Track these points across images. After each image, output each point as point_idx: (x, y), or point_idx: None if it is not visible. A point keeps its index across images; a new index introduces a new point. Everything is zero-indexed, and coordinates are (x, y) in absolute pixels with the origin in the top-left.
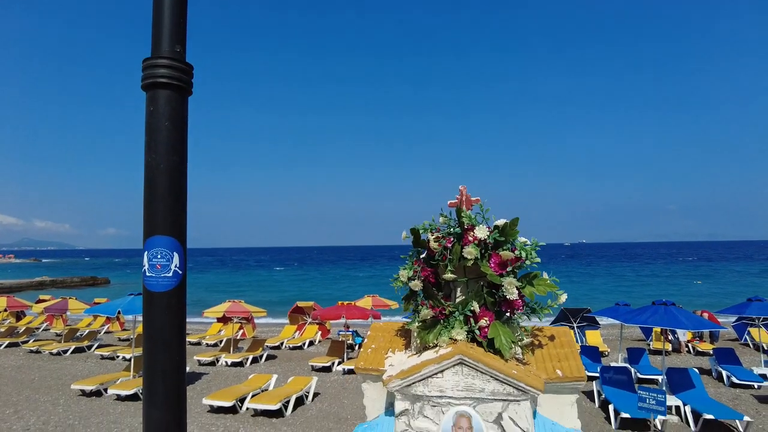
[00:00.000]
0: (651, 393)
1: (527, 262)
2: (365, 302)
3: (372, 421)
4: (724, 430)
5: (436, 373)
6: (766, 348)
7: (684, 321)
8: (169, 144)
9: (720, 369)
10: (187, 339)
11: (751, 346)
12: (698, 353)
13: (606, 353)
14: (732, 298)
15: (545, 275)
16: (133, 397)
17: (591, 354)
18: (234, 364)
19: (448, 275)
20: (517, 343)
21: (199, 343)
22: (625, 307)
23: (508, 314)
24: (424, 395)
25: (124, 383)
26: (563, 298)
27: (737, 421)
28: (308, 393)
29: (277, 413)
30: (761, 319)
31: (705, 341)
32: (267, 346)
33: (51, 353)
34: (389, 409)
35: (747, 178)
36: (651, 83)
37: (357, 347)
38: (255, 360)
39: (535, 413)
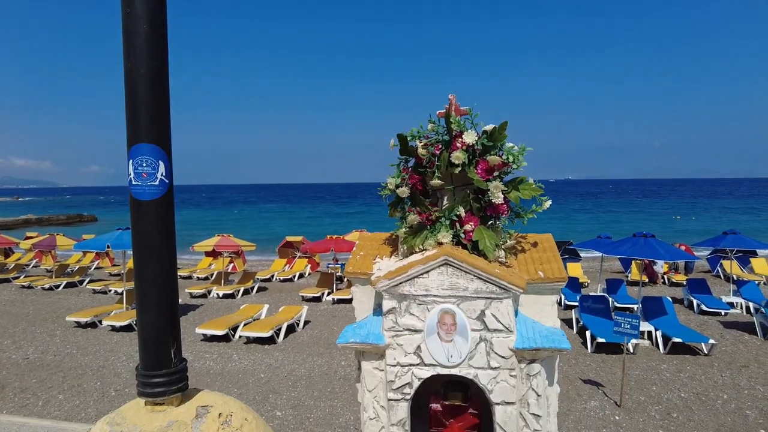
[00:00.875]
0: (626, 318)
1: (514, 167)
2: (353, 237)
3: (361, 321)
4: (690, 352)
5: (422, 274)
6: (735, 278)
7: (662, 252)
8: (148, 48)
9: (691, 298)
10: (178, 273)
11: (722, 277)
12: (673, 284)
13: (586, 284)
14: (709, 234)
15: (531, 180)
16: (128, 328)
17: (571, 285)
18: (225, 296)
19: (436, 182)
20: (500, 246)
21: (189, 277)
22: (607, 240)
23: (493, 219)
24: (411, 294)
25: (118, 315)
26: (547, 204)
27: (702, 344)
28: (299, 321)
29: (269, 340)
30: (734, 252)
31: (680, 273)
32: (258, 278)
33: (43, 288)
34: (377, 310)
35: (734, 116)
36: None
37: (346, 279)
38: (246, 292)
39: (516, 312)
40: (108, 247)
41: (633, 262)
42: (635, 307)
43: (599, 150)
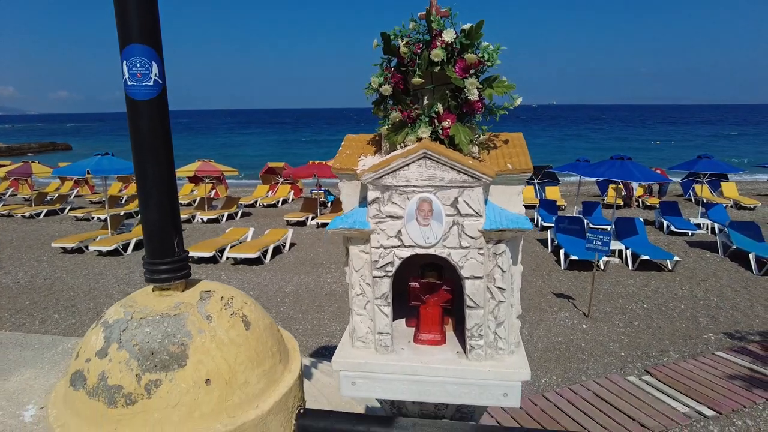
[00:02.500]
0: (598, 235)
1: (489, 64)
2: None
3: (348, 212)
4: (656, 269)
5: (403, 167)
6: (704, 201)
7: (637, 174)
8: None
9: (662, 220)
10: None
11: (693, 200)
12: (646, 207)
13: (563, 207)
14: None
15: (504, 78)
16: (114, 253)
17: (548, 207)
18: (210, 221)
19: (416, 80)
20: (474, 141)
21: None
22: (585, 163)
23: (468, 116)
24: (393, 185)
25: (104, 240)
26: (518, 101)
27: (668, 261)
28: (285, 243)
29: (257, 261)
30: (706, 176)
31: (654, 196)
32: (241, 204)
33: (24, 216)
34: (363, 202)
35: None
36: None
37: (329, 205)
38: (230, 217)
39: (486, 201)
40: (88, 172)
41: (609, 185)
42: (609, 227)
43: (585, 75)
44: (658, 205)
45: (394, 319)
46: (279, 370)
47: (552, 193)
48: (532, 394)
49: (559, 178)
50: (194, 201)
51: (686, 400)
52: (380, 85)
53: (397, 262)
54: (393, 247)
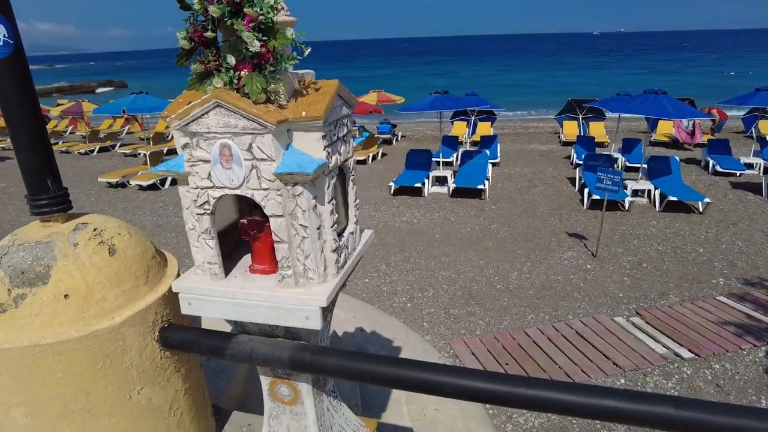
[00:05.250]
0: (608, 174)
1: (261, 18)
2: (370, 97)
3: (176, 157)
4: (685, 210)
5: (202, 115)
6: (764, 138)
7: (670, 109)
8: None
9: (708, 158)
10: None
11: (755, 138)
12: (698, 146)
13: (606, 143)
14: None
15: (288, 31)
16: (153, 187)
17: (586, 144)
18: None
19: (208, 34)
20: (265, 89)
21: None
22: (619, 98)
23: (263, 65)
24: (198, 132)
25: (143, 175)
26: (307, 51)
27: (699, 202)
28: None
29: None
30: None
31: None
32: None
33: (79, 153)
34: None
35: None
36: None
37: (364, 141)
38: None
39: (289, 146)
40: (123, 111)
41: (659, 122)
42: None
43: None
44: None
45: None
46: (143, 290)
47: (596, 128)
48: (513, 330)
49: (606, 113)
50: None
51: (667, 341)
52: (183, 39)
53: (213, 201)
54: (207, 188)
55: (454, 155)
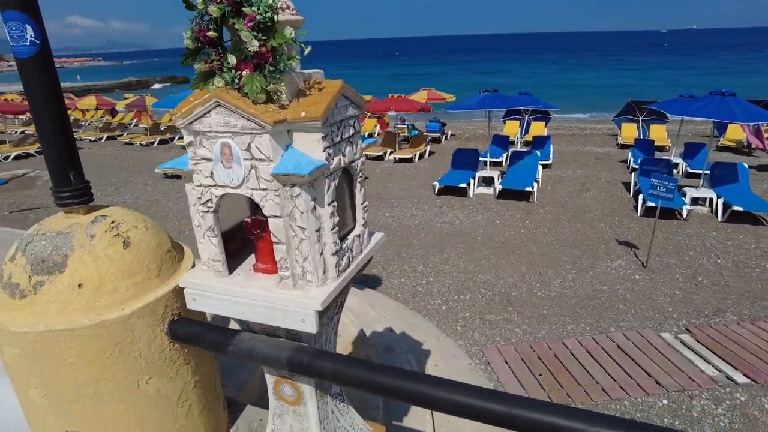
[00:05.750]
0: (662, 180)
1: (258, 17)
2: (420, 95)
3: (184, 155)
4: (752, 222)
5: (204, 114)
6: None
7: (738, 112)
8: None
9: None
10: None
11: None
12: None
13: (667, 147)
14: None
15: (287, 30)
16: None
17: (644, 147)
18: None
19: (210, 33)
20: (264, 89)
21: None
22: (688, 99)
23: (264, 65)
24: (201, 131)
25: None
26: (308, 50)
27: (767, 213)
28: None
29: None
30: None
31: None
32: None
33: (141, 144)
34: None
35: None
36: None
37: (410, 140)
38: None
39: (289, 146)
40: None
41: (727, 126)
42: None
43: None
44: None
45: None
46: (154, 283)
47: (657, 132)
48: (550, 340)
49: (668, 116)
50: None
51: (719, 363)
52: (188, 38)
53: (215, 200)
54: (210, 186)
55: (504, 155)
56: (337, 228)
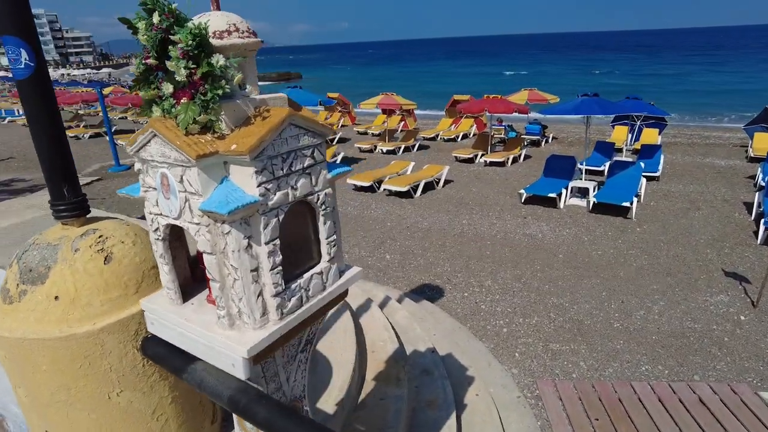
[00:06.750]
0: None
1: (182, 45)
2: (520, 96)
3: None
4: None
5: (146, 143)
6: None
7: None
8: None
9: None
10: (355, 129)
11: None
12: None
13: None
14: None
15: (215, 58)
16: None
17: None
18: (388, 152)
19: (150, 61)
20: (194, 119)
21: (365, 133)
22: None
23: (197, 93)
24: (146, 159)
25: None
26: (238, 77)
27: None
28: (439, 179)
29: (407, 194)
30: None
31: None
32: (420, 137)
33: None
34: None
35: None
36: None
37: (506, 142)
38: (407, 149)
39: (224, 180)
40: None
41: None
42: None
43: None
44: None
45: None
46: (131, 300)
47: None
48: (617, 380)
49: None
50: (383, 132)
51: None
52: (138, 63)
53: (162, 228)
54: (157, 214)
55: (606, 164)
56: (279, 267)
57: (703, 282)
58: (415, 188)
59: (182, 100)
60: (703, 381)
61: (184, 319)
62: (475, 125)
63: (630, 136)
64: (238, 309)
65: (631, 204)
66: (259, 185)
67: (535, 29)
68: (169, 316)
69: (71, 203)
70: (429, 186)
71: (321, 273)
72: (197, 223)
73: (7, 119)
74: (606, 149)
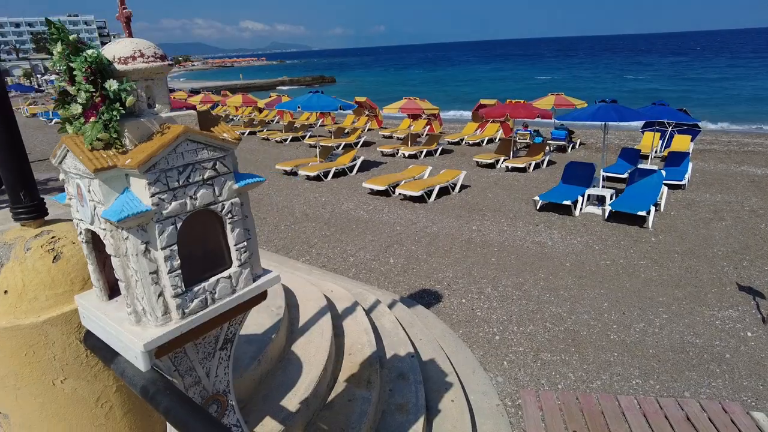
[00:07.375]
0: None
1: (77, 70)
2: (547, 101)
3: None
4: None
5: (63, 157)
6: None
7: None
8: None
9: None
10: (380, 132)
11: None
12: None
13: None
14: None
15: (108, 83)
16: (316, 178)
17: None
18: (410, 156)
19: (64, 84)
20: (96, 137)
21: (390, 137)
22: None
23: (101, 112)
24: (65, 171)
25: (311, 167)
26: (129, 100)
27: None
28: (455, 185)
29: (421, 199)
30: None
31: None
32: (443, 141)
33: (276, 141)
34: None
35: None
36: None
37: (528, 148)
38: (429, 153)
39: (126, 190)
40: (299, 108)
41: None
42: None
43: None
44: None
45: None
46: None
47: None
48: (602, 393)
49: None
50: (406, 136)
51: None
52: (58, 83)
53: (84, 233)
54: (79, 220)
55: (629, 171)
56: (178, 271)
57: (713, 296)
58: (429, 193)
59: (91, 119)
60: (694, 398)
61: (103, 314)
62: (501, 130)
63: (661, 142)
64: (143, 307)
65: (648, 213)
66: (152, 195)
67: (581, 32)
68: (94, 312)
69: (28, 206)
70: (445, 191)
71: (230, 277)
72: (104, 229)
73: None
74: (631, 156)
